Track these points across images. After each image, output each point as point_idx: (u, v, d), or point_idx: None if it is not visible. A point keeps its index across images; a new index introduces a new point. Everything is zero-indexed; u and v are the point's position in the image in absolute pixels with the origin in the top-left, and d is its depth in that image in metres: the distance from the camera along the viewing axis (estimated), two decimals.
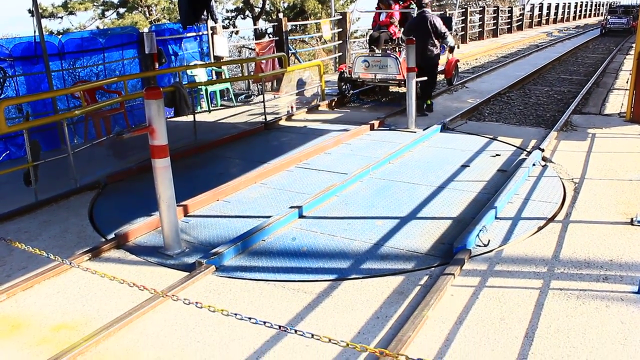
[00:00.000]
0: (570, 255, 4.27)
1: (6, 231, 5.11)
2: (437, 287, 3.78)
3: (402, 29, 11.15)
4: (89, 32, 11.70)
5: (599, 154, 6.87)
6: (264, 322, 2.40)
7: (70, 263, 3.48)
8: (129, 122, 9.40)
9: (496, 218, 5.00)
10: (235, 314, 2.48)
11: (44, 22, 9.18)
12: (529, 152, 6.98)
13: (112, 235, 4.96)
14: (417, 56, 8.68)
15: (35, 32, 8.06)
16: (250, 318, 2.47)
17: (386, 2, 11.54)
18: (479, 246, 4.45)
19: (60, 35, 9.50)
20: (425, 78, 9.69)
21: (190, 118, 8.69)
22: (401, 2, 11.63)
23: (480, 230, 4.58)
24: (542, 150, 6.88)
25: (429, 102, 9.88)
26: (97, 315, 3.72)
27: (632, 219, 4.82)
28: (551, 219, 4.99)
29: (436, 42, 9.55)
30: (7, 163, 7.75)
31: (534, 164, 6.40)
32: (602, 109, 9.84)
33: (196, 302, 2.59)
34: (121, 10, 23.73)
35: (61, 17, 22.30)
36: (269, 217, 5.14)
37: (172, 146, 4.53)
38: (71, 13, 22.32)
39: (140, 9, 23.41)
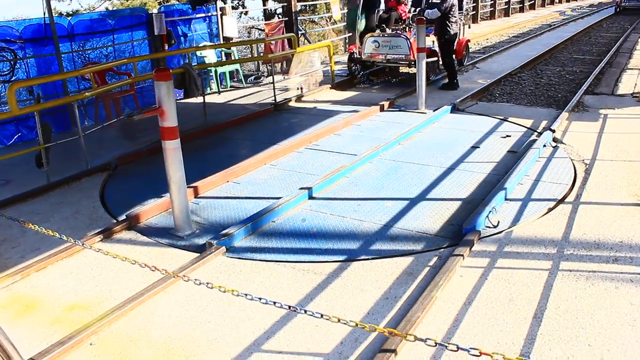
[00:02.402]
0: (580, 237, 4.25)
1: (19, 213, 5.17)
2: (446, 268, 3.79)
3: (413, 8, 11.07)
4: (98, 13, 11.69)
5: (611, 135, 6.80)
6: (274, 303, 2.43)
7: (83, 244, 3.52)
8: (139, 103, 9.42)
9: (506, 199, 4.98)
10: (246, 295, 2.51)
11: (53, 3, 9.14)
12: (540, 133, 6.93)
13: (123, 217, 5.01)
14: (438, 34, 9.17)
15: (45, 13, 8.07)
16: (260, 298, 2.50)
17: None
18: (489, 227, 4.44)
19: (70, 17, 9.51)
20: (435, 59, 9.64)
21: (200, 99, 8.70)
22: None
23: (490, 212, 4.57)
24: (553, 131, 6.82)
25: (455, 80, 10.08)
26: (109, 296, 3.77)
27: None
28: (561, 201, 4.97)
29: (452, 20, 9.57)
30: (19, 145, 7.83)
31: (544, 145, 6.36)
32: (614, 89, 9.73)
33: (207, 283, 2.62)
34: None
35: None
36: (278, 198, 5.16)
37: (182, 128, 4.53)
38: None
39: None
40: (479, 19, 24.08)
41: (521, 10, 29.82)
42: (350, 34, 11.77)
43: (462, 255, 3.96)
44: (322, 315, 2.42)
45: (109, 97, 8.68)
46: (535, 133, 7.08)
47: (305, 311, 2.50)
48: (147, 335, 3.32)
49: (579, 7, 34.02)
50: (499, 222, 4.52)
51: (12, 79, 8.05)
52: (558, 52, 15.32)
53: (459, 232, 4.40)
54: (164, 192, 5.23)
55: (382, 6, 11.36)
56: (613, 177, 5.41)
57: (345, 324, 2.41)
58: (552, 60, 13.93)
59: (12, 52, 8.05)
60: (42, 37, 8.32)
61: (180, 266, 4.04)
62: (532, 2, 31.92)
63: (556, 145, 6.48)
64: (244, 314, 3.45)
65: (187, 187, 4.80)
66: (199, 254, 4.23)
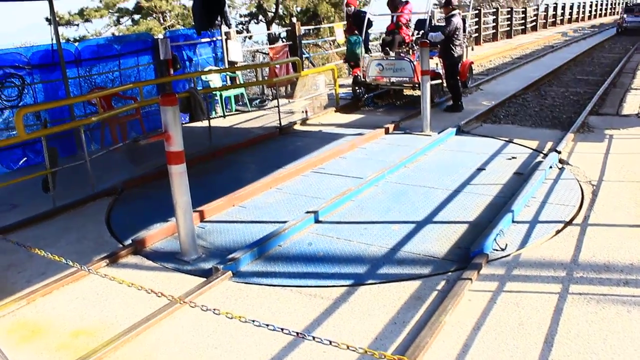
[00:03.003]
0: (589, 259, 4.22)
1: (25, 237, 5.16)
2: (454, 292, 3.75)
3: (416, 31, 11.18)
4: (105, 39, 11.83)
5: (617, 156, 6.79)
6: (282, 329, 2.40)
7: (89, 270, 3.51)
8: (145, 127, 9.47)
9: (513, 222, 4.95)
10: (253, 321, 2.49)
11: (60, 29, 9.27)
12: (546, 155, 6.92)
13: (129, 241, 5.00)
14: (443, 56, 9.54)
15: (52, 40, 8.17)
16: (267, 325, 2.47)
17: (391, 6, 11.55)
18: (496, 250, 4.41)
19: (77, 43, 9.61)
20: (439, 81, 9.71)
21: (205, 123, 8.74)
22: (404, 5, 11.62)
23: (497, 234, 4.55)
24: (559, 153, 6.82)
25: (459, 102, 10.14)
26: (115, 321, 3.74)
27: None
28: (569, 222, 4.94)
29: (457, 42, 9.65)
30: (26, 169, 7.84)
31: (550, 167, 6.35)
32: (619, 109, 9.74)
33: (214, 309, 2.59)
34: (136, 16, 23.94)
35: (77, 25, 22.55)
36: (285, 222, 5.15)
37: (187, 151, 4.55)
38: (87, 20, 22.57)
39: (154, 15, 23.60)
40: (481, 40, 24.22)
41: (523, 32, 30.01)
42: (352, 62, 11.91)
43: (470, 278, 3.92)
44: (330, 342, 2.39)
45: (115, 122, 8.73)
46: (541, 154, 7.07)
47: (314, 337, 2.47)
48: None
49: (580, 28, 34.20)
50: (506, 244, 4.49)
51: (20, 104, 8.12)
52: (561, 73, 15.38)
53: (466, 255, 4.37)
54: (169, 217, 5.22)
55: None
56: (621, 199, 5.38)
57: (354, 350, 2.38)
58: (556, 82, 13.98)
59: (20, 78, 8.14)
60: (50, 63, 8.41)
61: (186, 291, 4.02)
62: (534, 23, 32.13)
63: (562, 167, 6.47)
64: (251, 340, 3.41)
65: (193, 211, 4.80)
66: (205, 279, 4.21)
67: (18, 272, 4.59)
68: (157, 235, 5.07)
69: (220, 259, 4.52)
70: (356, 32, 11.75)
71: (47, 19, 20.52)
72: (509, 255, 4.37)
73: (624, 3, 44.66)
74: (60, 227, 5.55)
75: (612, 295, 3.70)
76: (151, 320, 3.62)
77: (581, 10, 43.04)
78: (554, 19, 36.45)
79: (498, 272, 4.12)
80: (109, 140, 8.89)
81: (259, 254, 4.60)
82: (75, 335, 3.63)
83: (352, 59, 11.79)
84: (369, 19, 11.65)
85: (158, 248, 4.94)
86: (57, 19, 8.51)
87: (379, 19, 12.09)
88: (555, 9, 37.30)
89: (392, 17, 11.57)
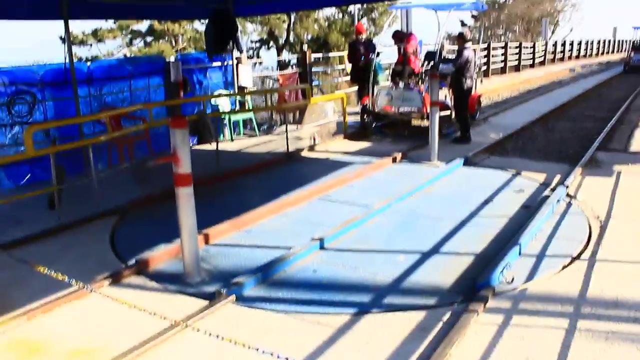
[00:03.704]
0: (597, 295, 4.16)
1: (29, 253, 5.14)
2: (460, 324, 3.70)
3: (426, 62, 11.26)
4: (116, 59, 11.96)
5: (625, 192, 6.75)
6: (286, 358, 2.35)
7: (91, 290, 3.48)
8: (152, 148, 9.49)
9: (520, 255, 4.90)
10: (257, 348, 2.44)
11: (73, 48, 9.39)
12: (553, 189, 6.88)
13: (132, 261, 4.97)
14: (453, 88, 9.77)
15: (65, 58, 8.26)
16: (272, 353, 2.43)
17: (396, 38, 11.67)
18: (503, 283, 4.36)
19: (89, 62, 9.71)
20: (448, 113, 9.76)
21: (213, 146, 8.76)
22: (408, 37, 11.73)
23: (504, 267, 4.50)
24: (567, 187, 6.78)
25: (467, 134, 10.17)
26: (115, 342, 3.69)
27: None
28: (577, 257, 4.89)
29: (467, 75, 9.71)
30: (32, 186, 7.86)
31: (558, 201, 6.31)
32: (627, 146, 9.73)
33: (217, 335, 2.55)
34: (148, 38, 24.25)
35: (90, 45, 22.86)
36: (290, 248, 5.11)
37: (194, 174, 4.53)
38: (100, 41, 22.88)
39: (166, 38, 23.90)
40: (490, 74, 24.38)
41: (531, 66, 30.21)
42: (357, 86, 11.98)
43: (477, 311, 3.87)
44: None
45: (123, 141, 8.77)
46: (549, 188, 7.03)
47: None
48: None
49: (588, 65, 34.43)
50: (513, 278, 4.43)
51: (30, 120, 8.18)
52: (569, 109, 15.41)
53: (472, 287, 4.31)
54: (174, 238, 5.20)
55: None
56: (629, 235, 5.33)
57: None
58: (564, 116, 14.00)
59: (32, 94, 8.21)
60: (62, 81, 8.49)
61: (188, 314, 3.97)
62: (542, 58, 32.37)
63: (570, 201, 6.43)
64: None
65: (198, 234, 4.77)
66: (208, 302, 4.17)
67: (19, 288, 4.54)
68: (160, 257, 5.04)
69: (223, 282, 4.47)
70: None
71: (61, 38, 20.87)
72: (515, 288, 4.32)
73: (631, 42, 44.99)
74: (63, 244, 5.53)
75: (621, 333, 3.63)
76: (152, 342, 3.57)
77: (589, 47, 43.41)
78: (562, 55, 36.74)
79: (505, 305, 4.06)
80: (116, 159, 8.92)
81: (263, 279, 4.56)
82: (75, 355, 3.58)
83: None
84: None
85: (161, 269, 4.91)
86: (71, 38, 8.62)
87: (387, 51, 12.18)
88: (563, 45, 37.64)
89: (399, 48, 11.67)
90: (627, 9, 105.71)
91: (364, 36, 12.03)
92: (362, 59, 11.38)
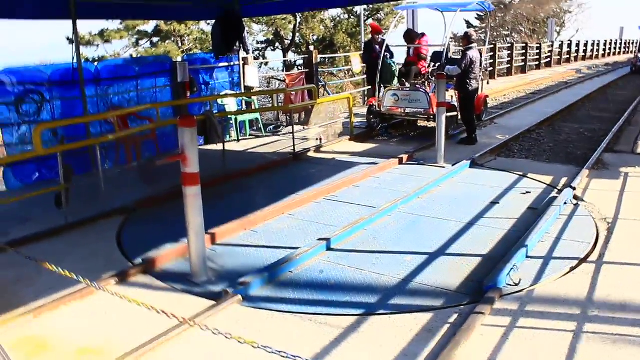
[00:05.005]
0: (604, 298, 4.14)
1: (36, 251, 5.13)
2: (467, 326, 3.69)
3: (432, 63, 11.25)
4: (123, 59, 11.98)
5: (633, 194, 6.72)
6: (295, 357, 2.36)
7: (99, 287, 3.49)
8: (159, 148, 9.52)
9: (527, 257, 4.89)
10: (265, 347, 2.44)
11: (81, 49, 9.39)
12: (560, 190, 6.86)
13: (139, 261, 4.99)
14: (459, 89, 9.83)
15: (73, 59, 8.29)
16: (279, 351, 2.43)
17: (407, 38, 11.64)
18: (510, 285, 4.35)
19: (97, 62, 9.74)
20: (455, 114, 9.75)
21: (219, 147, 8.77)
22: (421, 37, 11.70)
23: (511, 269, 4.49)
24: (574, 189, 6.76)
25: (473, 135, 10.16)
26: (122, 340, 3.70)
27: None
28: (584, 260, 4.87)
29: (473, 76, 9.69)
30: (39, 184, 7.89)
31: (565, 203, 6.29)
32: (634, 147, 9.69)
33: (225, 333, 2.56)
34: (155, 39, 24.31)
35: (97, 45, 22.93)
36: (296, 248, 5.12)
37: (201, 174, 4.54)
38: (107, 41, 22.95)
39: (173, 39, 23.95)
40: (496, 75, 24.32)
41: (537, 67, 30.11)
42: (370, 86, 11.93)
43: (483, 313, 3.86)
44: None
45: (130, 141, 8.80)
46: (556, 190, 7.02)
47: None
48: None
49: (594, 66, 34.30)
50: (520, 280, 4.42)
51: (38, 119, 8.21)
52: (576, 110, 15.37)
53: (479, 289, 4.31)
54: (180, 238, 5.22)
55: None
56: (637, 238, 5.31)
57: None
58: (570, 118, 13.96)
59: (40, 94, 8.24)
60: (69, 81, 8.51)
61: (195, 313, 3.98)
62: (549, 59, 32.26)
63: (577, 203, 6.41)
64: None
65: (205, 234, 4.77)
66: (214, 302, 4.17)
67: (27, 286, 4.57)
68: (167, 256, 5.05)
69: (230, 282, 4.49)
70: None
71: (68, 39, 20.96)
72: (522, 290, 4.31)
73: (638, 42, 44.76)
74: (70, 243, 5.55)
75: (628, 336, 3.62)
76: (159, 340, 3.59)
77: (595, 48, 43.22)
78: (568, 56, 36.59)
79: (511, 307, 4.05)
80: (123, 159, 8.94)
81: (269, 280, 4.56)
82: (82, 352, 3.59)
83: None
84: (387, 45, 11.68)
85: (168, 269, 4.92)
86: (79, 39, 8.65)
87: (395, 51, 12.14)
88: (569, 45, 37.49)
89: (409, 49, 11.65)
90: (635, 7, 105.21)
91: (381, 36, 11.94)
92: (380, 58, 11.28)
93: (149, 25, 23.91)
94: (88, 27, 23.68)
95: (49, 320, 4.03)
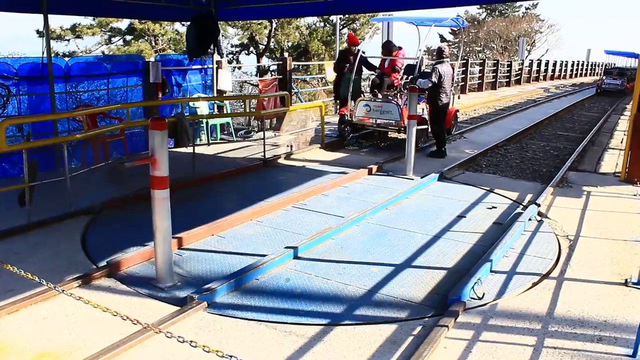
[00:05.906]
0: (564, 314, 4.24)
1: None
2: (430, 338, 3.73)
3: (405, 76, 11.38)
4: (95, 57, 11.81)
5: (594, 213, 6.89)
6: None
7: (61, 290, 3.43)
8: (128, 148, 9.39)
9: (491, 271, 4.97)
10: (231, 356, 2.43)
11: (51, 43, 9.17)
12: (525, 207, 7.00)
13: (103, 263, 4.91)
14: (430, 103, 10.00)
15: (43, 53, 8.13)
16: None
17: (386, 49, 11.73)
18: (474, 299, 4.41)
19: (67, 58, 9.57)
20: (425, 127, 9.88)
21: (189, 150, 8.70)
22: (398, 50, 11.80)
23: (475, 283, 4.55)
24: (538, 205, 6.90)
25: (443, 148, 10.31)
26: (82, 345, 3.64)
27: (626, 279, 4.82)
28: (546, 275, 4.97)
29: (443, 90, 9.83)
30: (1, 181, 7.69)
31: (529, 219, 6.41)
32: (597, 167, 9.94)
33: (190, 341, 2.54)
34: (128, 37, 23.98)
35: (68, 40, 22.51)
36: (263, 255, 5.11)
37: (170, 177, 4.50)
38: (78, 37, 22.54)
39: (146, 38, 23.67)
40: (467, 89, 24.71)
41: (507, 84, 30.75)
42: (334, 95, 11.98)
43: (447, 326, 3.91)
44: None
45: (98, 140, 8.65)
46: (521, 206, 7.16)
47: None
48: None
49: (562, 86, 35.15)
50: (484, 294, 4.49)
51: (2, 114, 8.01)
52: (543, 128, 15.71)
53: (443, 302, 4.36)
54: (147, 241, 5.15)
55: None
56: (597, 255, 5.45)
57: None
58: (537, 135, 14.27)
59: (6, 88, 8.05)
60: (38, 76, 8.35)
61: (159, 319, 3.93)
62: (519, 77, 32.94)
63: (541, 220, 6.54)
64: None
65: (172, 238, 4.72)
66: (179, 308, 4.13)
67: None
68: (132, 259, 4.99)
69: (195, 288, 4.45)
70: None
71: (38, 32, 20.53)
72: (486, 304, 4.37)
73: (604, 65, 46.12)
74: (33, 242, 5.43)
75: (585, 351, 3.71)
76: (121, 347, 3.53)
77: (563, 68, 44.35)
78: (537, 74, 37.47)
79: (475, 320, 4.11)
80: (90, 158, 8.79)
81: (235, 286, 4.54)
82: (40, 357, 3.52)
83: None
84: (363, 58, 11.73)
85: (133, 272, 4.85)
86: (49, 32, 8.49)
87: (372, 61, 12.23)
88: (539, 64, 38.41)
89: (384, 60, 11.74)
90: (602, 31, 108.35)
91: (357, 47, 11.89)
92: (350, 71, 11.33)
93: (123, 23, 23.58)
94: (59, 21, 23.31)
95: (7, 323, 3.93)
